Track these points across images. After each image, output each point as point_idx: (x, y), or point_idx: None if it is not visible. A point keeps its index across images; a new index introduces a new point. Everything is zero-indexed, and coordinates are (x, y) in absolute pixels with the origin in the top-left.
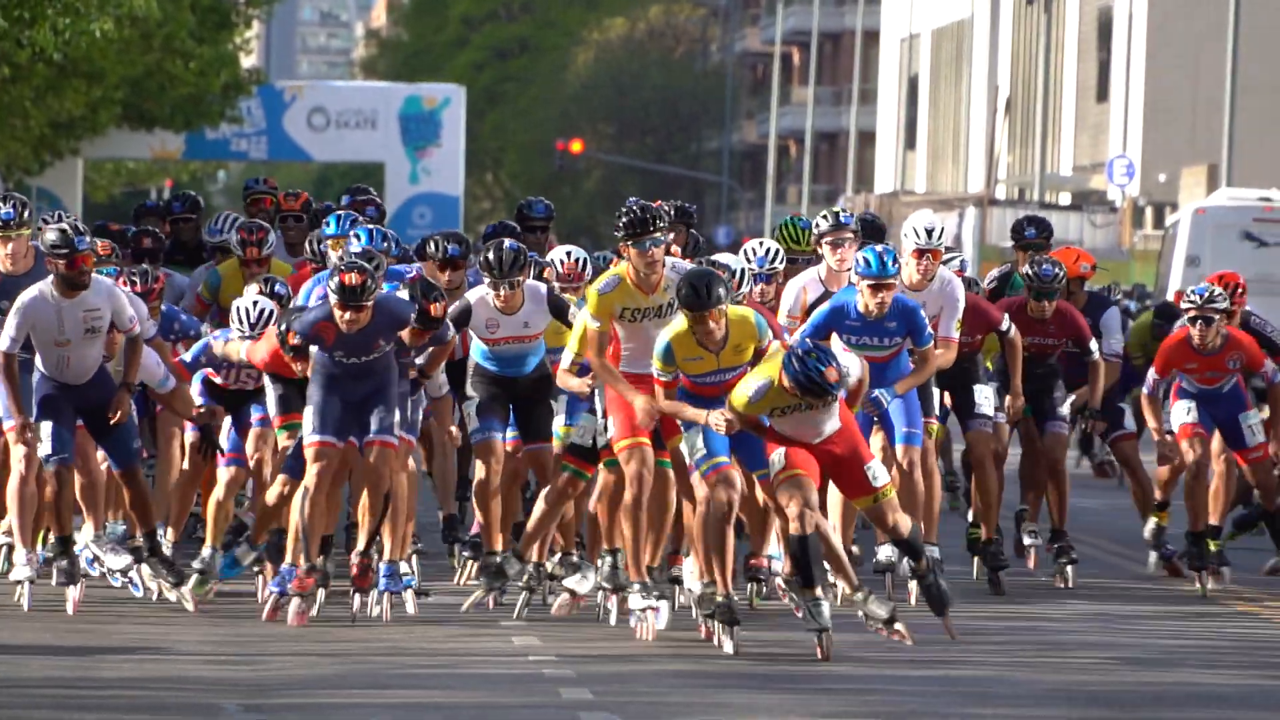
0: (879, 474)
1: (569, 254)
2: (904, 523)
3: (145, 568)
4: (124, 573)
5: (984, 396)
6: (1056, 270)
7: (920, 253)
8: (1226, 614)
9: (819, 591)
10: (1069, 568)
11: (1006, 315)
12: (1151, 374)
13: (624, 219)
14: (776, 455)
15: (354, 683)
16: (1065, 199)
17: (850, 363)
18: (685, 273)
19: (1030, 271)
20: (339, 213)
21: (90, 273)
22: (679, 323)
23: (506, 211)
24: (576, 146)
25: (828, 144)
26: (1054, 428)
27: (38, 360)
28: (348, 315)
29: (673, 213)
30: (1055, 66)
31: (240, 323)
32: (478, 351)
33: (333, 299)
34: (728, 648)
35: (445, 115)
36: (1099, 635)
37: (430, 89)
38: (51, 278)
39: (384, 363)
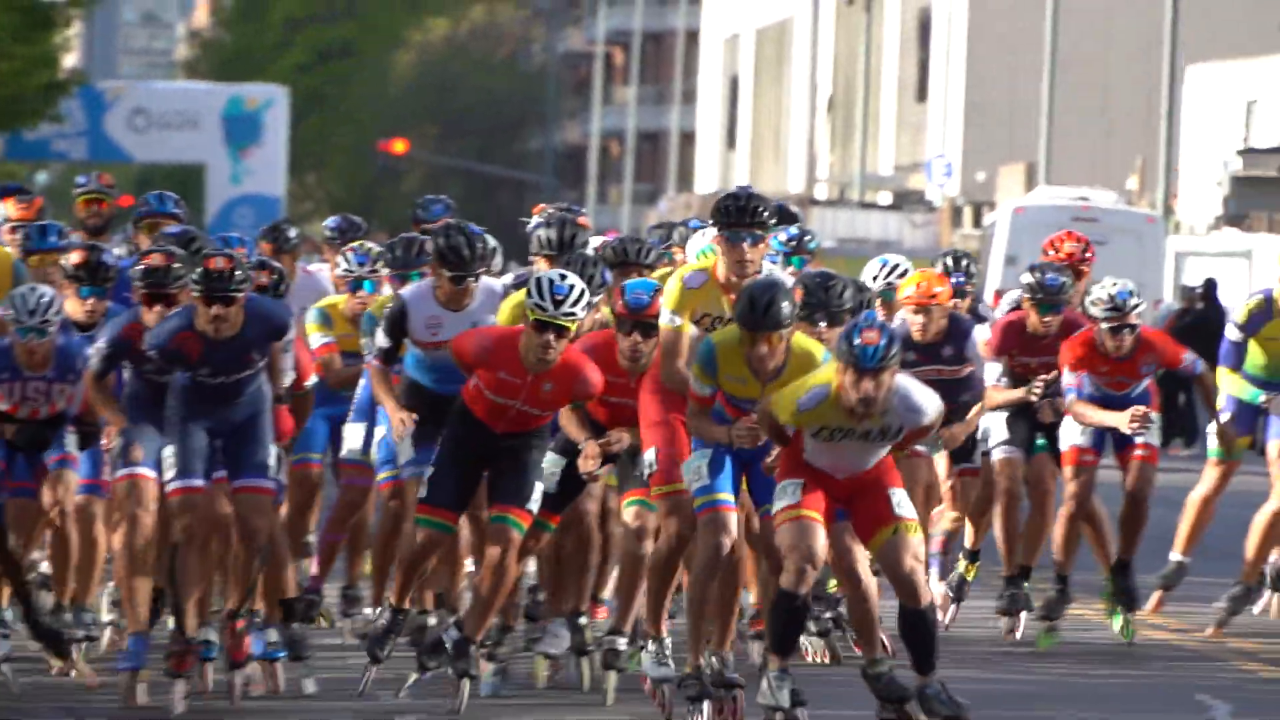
0: (904, 503)
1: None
2: (919, 573)
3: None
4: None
5: None
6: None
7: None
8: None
9: (787, 664)
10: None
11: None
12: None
13: (721, 204)
14: (791, 487)
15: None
16: (885, 198)
17: (929, 402)
18: (749, 282)
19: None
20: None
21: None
22: (733, 331)
23: (331, 211)
24: (399, 147)
25: (650, 144)
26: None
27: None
28: (216, 310)
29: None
30: (875, 66)
31: (17, 312)
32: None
33: (196, 293)
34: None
35: (267, 116)
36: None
37: (253, 90)
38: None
39: (255, 382)
